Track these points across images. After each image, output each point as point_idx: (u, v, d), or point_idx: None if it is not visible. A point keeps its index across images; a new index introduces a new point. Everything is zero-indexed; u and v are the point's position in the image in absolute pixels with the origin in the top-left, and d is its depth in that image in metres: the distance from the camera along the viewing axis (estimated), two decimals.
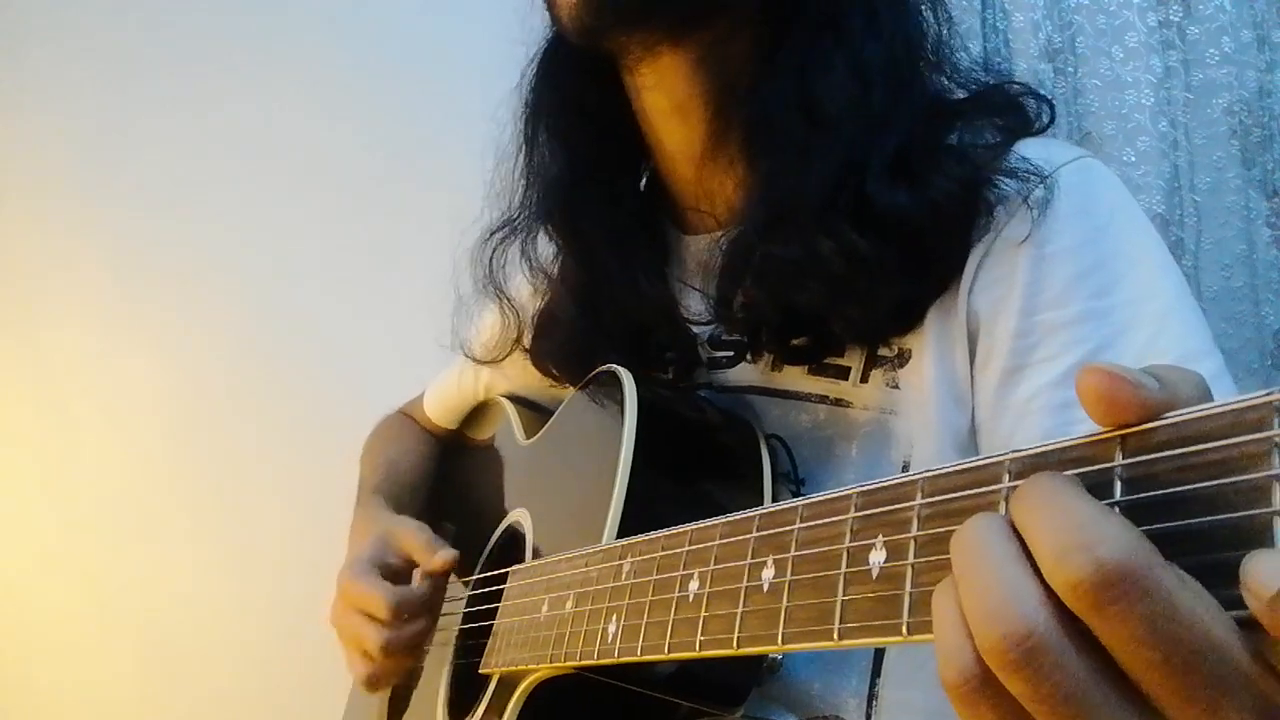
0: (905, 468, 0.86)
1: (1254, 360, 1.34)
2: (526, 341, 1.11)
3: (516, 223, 1.07)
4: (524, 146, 1.05)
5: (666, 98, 0.95)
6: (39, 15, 1.78)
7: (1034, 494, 0.38)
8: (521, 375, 1.23)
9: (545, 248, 1.07)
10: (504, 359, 1.14)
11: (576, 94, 1.00)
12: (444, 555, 1.02)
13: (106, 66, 1.79)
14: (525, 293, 1.11)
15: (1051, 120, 0.93)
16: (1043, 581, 0.36)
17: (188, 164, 1.80)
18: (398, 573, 1.07)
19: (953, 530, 0.43)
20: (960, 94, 0.94)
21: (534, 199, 1.04)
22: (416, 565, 1.07)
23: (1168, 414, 0.37)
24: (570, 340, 1.05)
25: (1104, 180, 0.86)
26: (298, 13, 1.84)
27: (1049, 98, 0.94)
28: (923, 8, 0.93)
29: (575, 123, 1.01)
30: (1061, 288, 0.80)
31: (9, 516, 1.75)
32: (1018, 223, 0.82)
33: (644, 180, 1.07)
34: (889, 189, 0.82)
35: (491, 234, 1.09)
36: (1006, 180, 0.82)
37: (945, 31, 0.94)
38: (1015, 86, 0.93)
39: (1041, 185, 0.81)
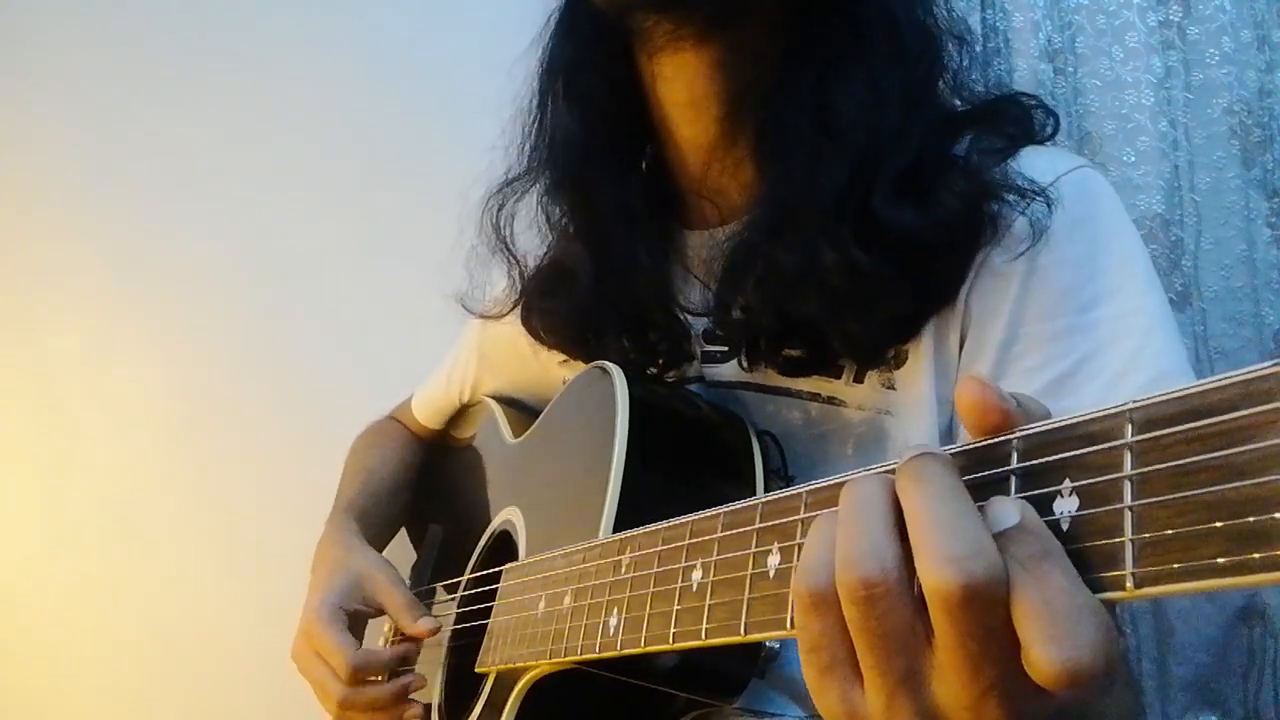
0: None
1: (1254, 360, 1.33)
2: (527, 295, 1.11)
3: (527, 179, 1.07)
4: (539, 105, 1.05)
5: (682, 91, 0.95)
6: (39, 17, 1.78)
7: (921, 484, 0.44)
8: (510, 361, 1.23)
9: (554, 210, 1.07)
10: (507, 314, 1.13)
11: (595, 57, 1.00)
12: (425, 623, 1.04)
13: (106, 69, 1.78)
14: (530, 251, 1.11)
15: (1055, 131, 0.94)
16: (905, 547, 0.44)
17: (185, 165, 1.79)
18: (363, 617, 1.10)
19: None
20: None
21: (544, 159, 1.04)
22: (384, 614, 1.10)
23: (1176, 390, 0.38)
24: (574, 306, 1.04)
25: (1101, 193, 0.88)
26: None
27: (1055, 111, 0.95)
28: (949, 42, 0.94)
29: (591, 85, 1.00)
30: (1051, 300, 0.81)
31: (7, 517, 1.75)
32: (1016, 235, 0.83)
33: (645, 162, 1.07)
34: (895, 206, 0.83)
35: (501, 189, 1.08)
36: (1009, 194, 0.83)
37: (966, 63, 0.95)
38: (1025, 98, 0.95)
39: (1041, 198, 0.82)
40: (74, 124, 1.78)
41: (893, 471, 0.47)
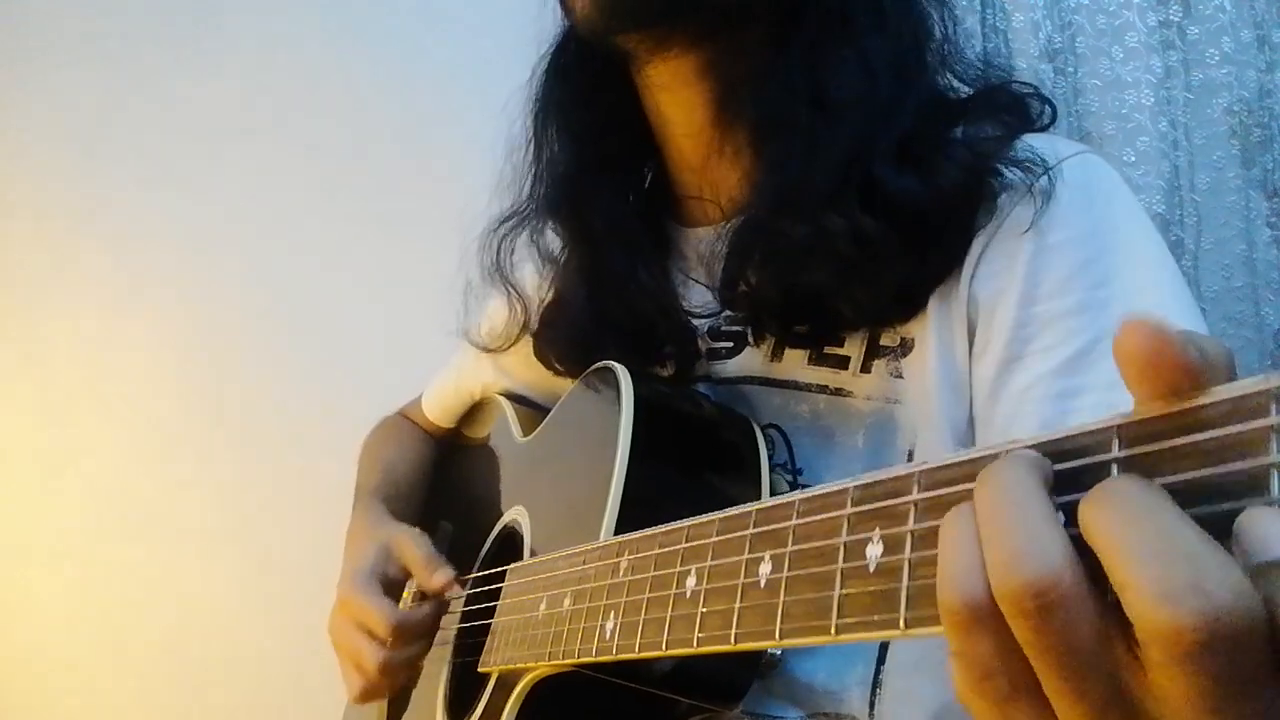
0: (910, 456, 0.87)
1: (1254, 360, 1.34)
2: (533, 328, 1.12)
3: (525, 213, 1.08)
4: (533, 139, 1.06)
5: (676, 94, 0.96)
6: (38, 7, 1.78)
7: (1126, 509, 0.35)
8: (522, 370, 1.23)
9: (553, 239, 1.08)
10: (509, 347, 1.15)
11: (586, 89, 1.02)
12: (441, 575, 1.03)
13: (106, 58, 1.79)
14: (532, 283, 1.12)
15: (1053, 120, 0.94)
16: (1072, 538, 0.36)
17: (188, 158, 1.80)
18: (398, 584, 1.08)
19: None
20: (966, 92, 0.95)
21: (542, 191, 1.06)
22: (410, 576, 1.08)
23: (1165, 406, 0.36)
24: (574, 332, 1.05)
25: (1106, 174, 0.87)
26: (304, 3, 1.84)
27: (1051, 99, 0.95)
28: (930, 10, 0.94)
29: (584, 118, 1.02)
30: (1061, 279, 0.80)
31: (8, 515, 1.75)
32: (1021, 212, 0.82)
33: (648, 178, 1.09)
34: (896, 173, 0.83)
35: (500, 223, 1.10)
36: (1011, 169, 0.83)
37: (952, 32, 0.95)
38: (1020, 85, 0.94)
39: (1045, 176, 0.82)
40: (75, 124, 1.78)
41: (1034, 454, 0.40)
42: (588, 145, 1.02)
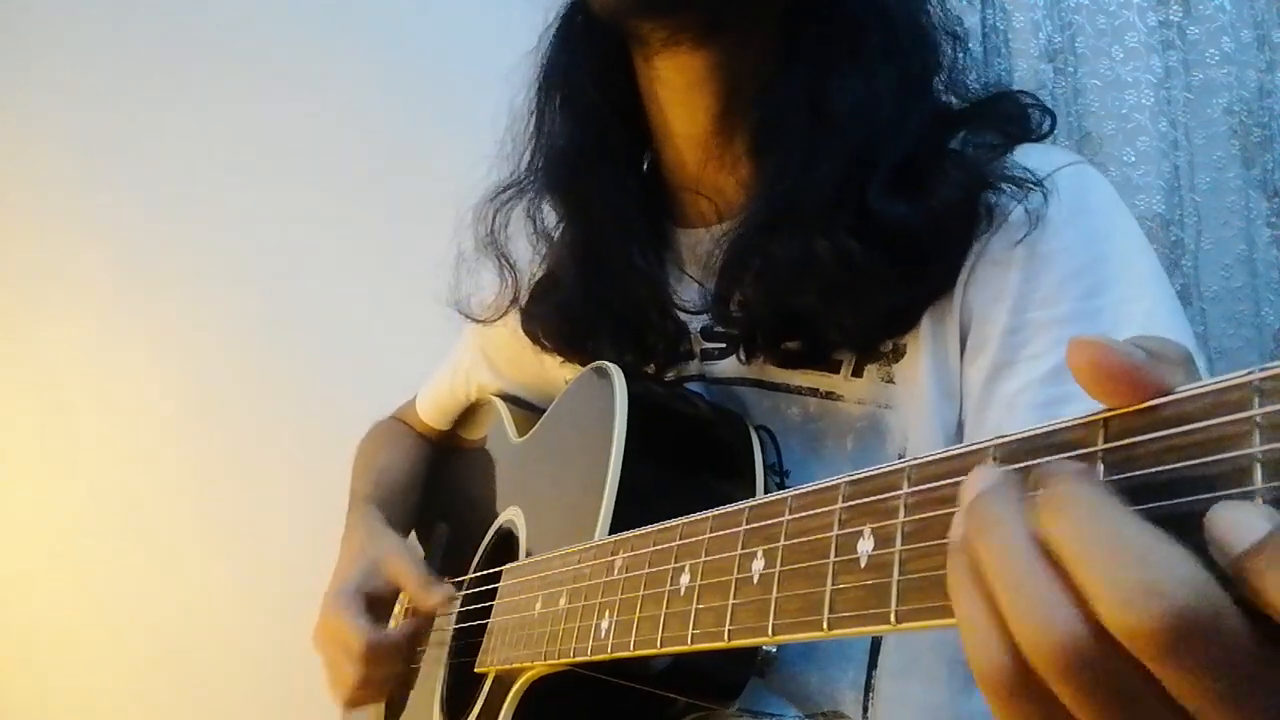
0: None
1: (1254, 360, 1.33)
2: (522, 303, 1.12)
3: (522, 185, 1.08)
4: (535, 112, 1.06)
5: (680, 91, 0.96)
6: (38, 13, 1.78)
7: (1075, 514, 0.35)
8: (515, 370, 1.23)
9: (549, 213, 1.08)
10: (499, 319, 1.14)
11: (592, 65, 1.01)
12: (436, 594, 1.04)
13: (106, 63, 1.79)
14: (525, 256, 1.12)
15: (1052, 129, 0.95)
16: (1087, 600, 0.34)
17: (186, 157, 1.79)
18: (383, 599, 1.10)
19: (939, 516, 0.43)
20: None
21: (540, 165, 1.05)
22: (401, 592, 1.09)
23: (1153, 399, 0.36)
24: (565, 310, 1.05)
25: (1098, 185, 0.88)
26: None
27: (1052, 110, 0.95)
28: (942, 39, 0.94)
29: (588, 93, 1.01)
30: (1052, 287, 0.81)
31: (9, 516, 1.75)
32: (1015, 222, 0.83)
33: (645, 165, 1.08)
34: (890, 199, 0.83)
35: (497, 194, 1.09)
36: (1005, 185, 0.83)
37: (961, 59, 0.95)
38: (1022, 96, 0.95)
39: (1038, 189, 0.82)
40: (75, 123, 1.78)
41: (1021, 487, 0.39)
42: (589, 127, 1.02)
